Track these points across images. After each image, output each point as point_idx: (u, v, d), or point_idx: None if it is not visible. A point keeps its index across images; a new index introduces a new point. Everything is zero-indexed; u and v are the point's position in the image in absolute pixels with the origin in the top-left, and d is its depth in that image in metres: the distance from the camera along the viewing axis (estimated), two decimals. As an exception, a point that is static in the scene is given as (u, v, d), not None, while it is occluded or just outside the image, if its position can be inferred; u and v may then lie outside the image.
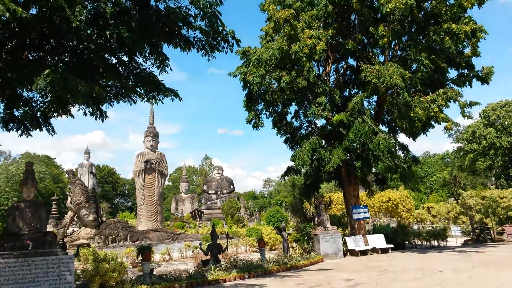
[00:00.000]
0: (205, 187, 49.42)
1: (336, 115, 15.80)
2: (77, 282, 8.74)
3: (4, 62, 9.06)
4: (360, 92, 17.38)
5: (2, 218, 31.88)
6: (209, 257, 12.45)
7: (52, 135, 10.88)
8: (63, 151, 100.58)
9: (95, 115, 9.86)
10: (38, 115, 10.45)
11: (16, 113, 10.36)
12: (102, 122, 10.07)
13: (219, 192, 48.40)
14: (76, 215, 24.81)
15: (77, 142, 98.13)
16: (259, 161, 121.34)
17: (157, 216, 28.97)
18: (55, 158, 48.32)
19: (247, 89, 16.65)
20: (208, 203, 47.61)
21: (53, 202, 34.93)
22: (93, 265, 8.47)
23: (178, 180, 58.03)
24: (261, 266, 12.20)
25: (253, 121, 17.10)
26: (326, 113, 15.70)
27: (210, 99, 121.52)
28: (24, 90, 10.21)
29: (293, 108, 19.15)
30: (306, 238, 16.60)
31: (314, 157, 16.28)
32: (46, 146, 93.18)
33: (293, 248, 16.33)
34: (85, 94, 7.97)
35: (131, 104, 11.03)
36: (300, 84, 15.57)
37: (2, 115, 10.19)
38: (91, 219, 23.69)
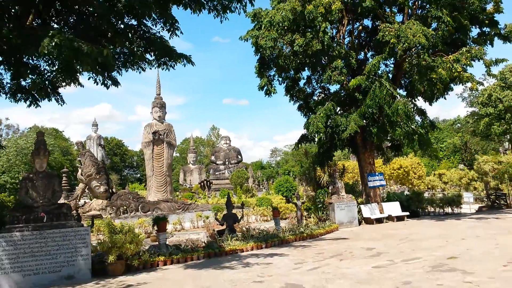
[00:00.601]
0: (212, 158, 49.34)
1: (352, 79, 15.13)
2: (92, 254, 8.55)
3: (9, 29, 8.53)
4: (376, 54, 16.58)
5: (14, 192, 32.09)
6: (224, 227, 12.24)
7: (61, 105, 10.52)
8: (71, 124, 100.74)
9: (105, 83, 9.37)
10: (46, 84, 10.05)
11: (23, 83, 9.91)
12: (117, 87, 9.57)
13: (227, 163, 48.32)
14: (87, 187, 24.77)
15: (84, 114, 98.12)
16: (265, 131, 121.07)
17: (167, 187, 29.02)
18: (63, 131, 48.35)
19: (259, 54, 15.93)
20: (216, 173, 47.66)
21: (64, 175, 35.01)
22: (109, 237, 8.22)
23: (185, 151, 58.02)
24: (277, 235, 11.98)
25: (265, 87, 16.48)
26: (342, 77, 15.05)
27: (215, 69, 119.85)
28: (31, 58, 9.77)
29: (305, 74, 18.51)
30: (320, 206, 16.36)
31: (329, 123, 15.78)
32: (53, 119, 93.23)
33: (305, 217, 16.13)
34: (94, 57, 7.46)
35: (140, 72, 10.51)
36: (315, 48, 14.83)
37: (9, 85, 9.82)
38: (102, 190, 23.69)
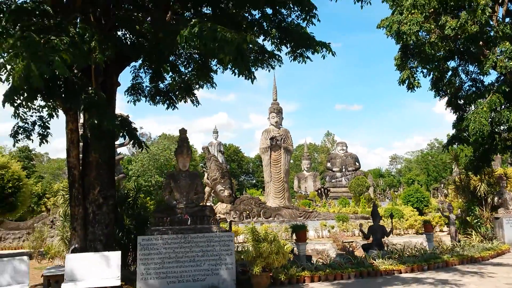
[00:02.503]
0: (328, 164, 47.44)
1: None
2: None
3: (149, 24, 8.36)
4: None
5: (148, 194, 34.92)
6: (369, 241, 10.55)
7: (196, 106, 10.27)
8: (192, 133, 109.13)
9: (244, 75, 8.62)
10: (182, 85, 9.90)
11: (161, 85, 9.88)
12: (252, 83, 8.76)
13: (343, 170, 45.97)
14: (212, 190, 25.30)
15: (204, 123, 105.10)
16: (381, 137, 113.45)
17: (284, 193, 28.38)
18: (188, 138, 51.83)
19: (400, 42, 13.91)
20: (333, 181, 45.64)
21: (188, 179, 37.09)
22: (253, 245, 7.29)
23: (299, 157, 57.24)
24: (439, 256, 9.79)
25: (407, 81, 14.33)
26: (511, 63, 12.13)
27: (327, 74, 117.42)
28: (170, 56, 9.65)
29: (451, 64, 15.75)
30: (479, 222, 13.45)
31: (490, 120, 12.92)
32: (177, 128, 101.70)
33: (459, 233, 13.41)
34: (235, 45, 6.63)
35: (269, 70, 9.48)
36: (471, 30, 12.29)
37: (148, 88, 9.88)
38: (227, 194, 23.99)
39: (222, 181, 24.53)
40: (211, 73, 9.86)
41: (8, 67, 5.63)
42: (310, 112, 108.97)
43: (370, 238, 10.48)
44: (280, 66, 9.39)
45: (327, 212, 26.39)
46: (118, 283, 6.61)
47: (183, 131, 8.13)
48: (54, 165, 47.91)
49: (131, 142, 8.16)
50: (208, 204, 30.15)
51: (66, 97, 7.09)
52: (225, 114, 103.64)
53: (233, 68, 8.69)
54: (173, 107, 9.91)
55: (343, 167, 45.68)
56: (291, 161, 64.34)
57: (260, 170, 58.12)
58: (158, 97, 9.94)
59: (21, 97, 6.27)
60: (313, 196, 38.87)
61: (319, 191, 39.14)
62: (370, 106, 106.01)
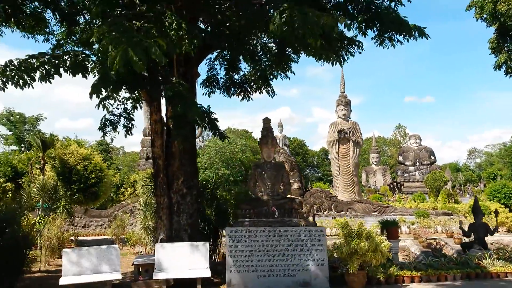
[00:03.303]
0: (400, 158, 44.97)
1: None
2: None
3: (232, 10, 8.02)
4: None
5: (215, 187, 35.55)
6: (470, 239, 9.40)
7: (272, 97, 9.92)
8: (255, 127, 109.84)
9: (331, 60, 7.99)
10: (256, 77, 9.58)
11: (236, 76, 9.67)
12: (341, 65, 8.09)
13: (417, 164, 43.33)
14: (282, 184, 24.96)
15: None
16: (455, 130, 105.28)
17: (354, 187, 27.37)
18: (252, 132, 52.23)
19: (496, 23, 12.39)
20: (405, 175, 43.22)
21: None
22: (346, 241, 6.68)
23: (366, 151, 54.93)
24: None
25: (504, 65, 12.77)
26: None
27: (394, 67, 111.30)
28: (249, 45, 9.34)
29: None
30: None
31: None
32: (242, 123, 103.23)
33: None
34: (326, 28, 6.01)
35: (352, 56, 8.68)
36: None
37: (223, 80, 9.69)
38: (296, 187, 23.61)
39: (291, 173, 24.15)
40: (289, 62, 9.39)
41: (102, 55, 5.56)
42: (377, 105, 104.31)
43: (471, 236, 9.33)
44: (360, 53, 8.64)
45: (404, 208, 24.96)
46: (208, 274, 6.39)
47: (266, 120, 7.71)
48: (129, 158, 50.78)
49: (212, 133, 7.95)
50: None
51: (151, 88, 7.00)
52: (287, 109, 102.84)
53: (315, 55, 8.09)
54: (247, 98, 9.67)
55: (417, 160, 43.07)
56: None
57: (325, 164, 56.79)
58: (232, 89, 9.77)
59: (108, 88, 6.24)
60: (384, 191, 37.00)
61: (391, 186, 37.22)
62: (443, 98, 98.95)
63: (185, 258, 6.65)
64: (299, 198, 9.21)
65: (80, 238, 16.89)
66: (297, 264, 6.68)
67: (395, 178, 42.32)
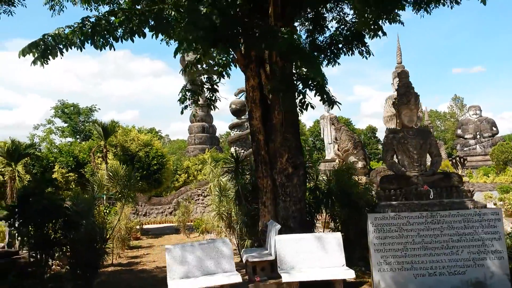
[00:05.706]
0: (459, 131, 41.97)
1: None
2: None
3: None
4: None
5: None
6: None
7: (366, 58, 8.39)
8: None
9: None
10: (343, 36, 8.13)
11: (320, 38, 8.38)
12: (403, 25, 6.51)
13: (478, 136, 40.27)
14: (344, 162, 23.33)
15: (312, 97, 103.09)
16: (508, 100, 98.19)
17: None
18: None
19: None
20: (465, 149, 40.35)
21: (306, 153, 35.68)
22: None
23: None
24: None
25: None
26: None
27: (438, 38, 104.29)
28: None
29: None
30: None
31: None
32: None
33: None
34: None
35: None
36: None
37: (302, 46, 8.20)
38: (361, 166, 22.10)
39: (355, 152, 22.63)
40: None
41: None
42: (422, 78, 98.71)
43: None
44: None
45: (482, 183, 22.89)
46: (352, 275, 5.00)
47: (404, 74, 6.08)
48: (175, 145, 50.54)
49: (320, 100, 6.55)
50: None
51: (250, 42, 5.69)
52: (330, 88, 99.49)
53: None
54: (333, 62, 8.20)
55: (477, 133, 39.95)
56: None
57: (372, 142, 54.24)
58: (315, 53, 8.29)
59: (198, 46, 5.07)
60: (445, 166, 34.53)
61: (454, 160, 34.58)
62: (494, 67, 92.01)
63: (313, 254, 5.33)
64: (457, 172, 7.60)
65: (144, 226, 16.21)
66: (466, 258, 5.18)
67: (455, 153, 39.53)
